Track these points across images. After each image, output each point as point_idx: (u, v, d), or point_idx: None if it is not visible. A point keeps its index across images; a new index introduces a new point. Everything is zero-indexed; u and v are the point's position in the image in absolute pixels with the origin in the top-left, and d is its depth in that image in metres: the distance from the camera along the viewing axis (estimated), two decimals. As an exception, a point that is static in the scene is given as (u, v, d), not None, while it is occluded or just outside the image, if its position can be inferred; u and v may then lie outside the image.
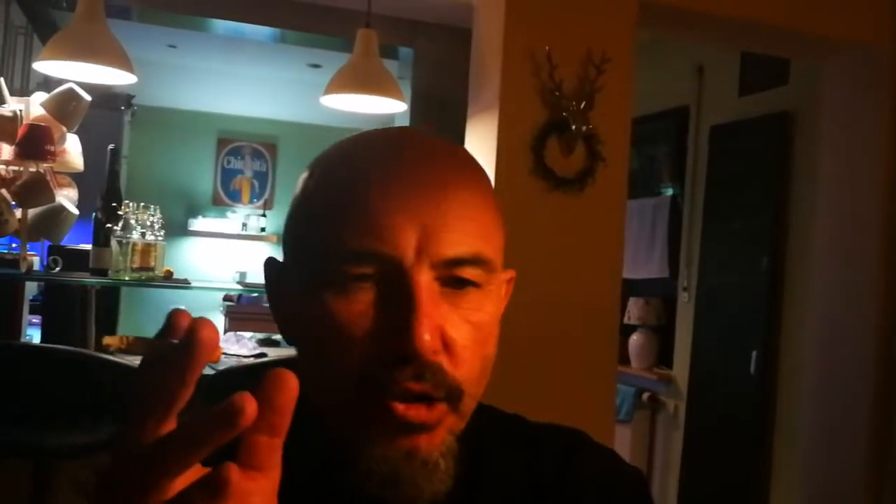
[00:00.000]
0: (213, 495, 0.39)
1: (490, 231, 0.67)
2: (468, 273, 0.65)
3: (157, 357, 0.40)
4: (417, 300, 0.61)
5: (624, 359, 4.55)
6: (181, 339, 0.39)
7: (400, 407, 0.62)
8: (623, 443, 4.29)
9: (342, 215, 0.64)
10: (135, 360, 2.78)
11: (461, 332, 0.65)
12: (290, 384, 0.40)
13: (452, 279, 0.65)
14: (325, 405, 0.66)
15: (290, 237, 0.71)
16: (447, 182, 0.66)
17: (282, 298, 0.72)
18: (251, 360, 3.05)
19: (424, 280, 0.62)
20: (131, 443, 0.40)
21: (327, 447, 0.66)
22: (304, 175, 0.71)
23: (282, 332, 0.74)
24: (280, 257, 0.74)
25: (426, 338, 0.61)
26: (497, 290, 0.69)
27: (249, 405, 0.38)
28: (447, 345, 0.64)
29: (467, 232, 0.65)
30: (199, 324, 0.39)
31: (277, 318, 0.73)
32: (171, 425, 0.40)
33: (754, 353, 3.95)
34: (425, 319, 0.61)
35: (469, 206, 0.66)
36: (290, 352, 3.85)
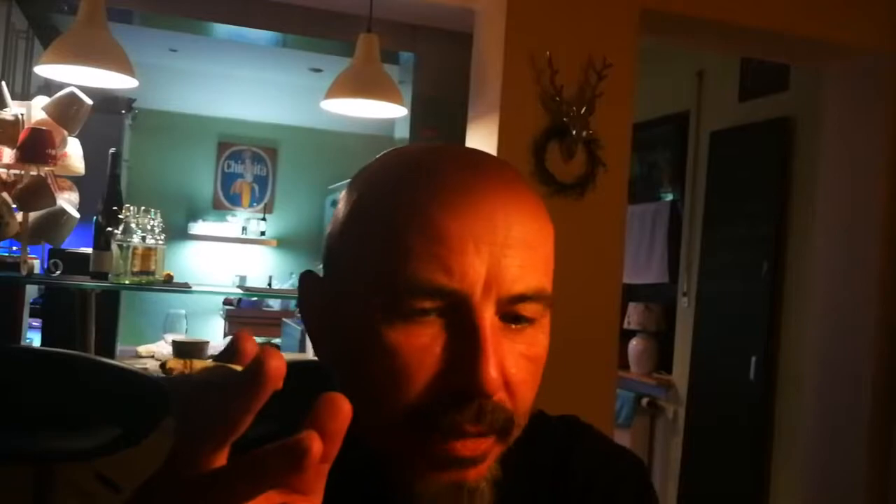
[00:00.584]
0: None
1: (550, 264, 0.67)
2: (529, 309, 0.64)
3: (220, 382, 0.39)
4: (483, 338, 0.60)
5: (623, 364, 4.54)
6: (248, 366, 0.38)
7: (450, 446, 0.61)
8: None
9: (407, 244, 0.61)
10: (135, 364, 2.78)
11: (519, 367, 0.64)
12: (344, 411, 0.39)
13: (511, 315, 0.63)
14: (373, 434, 0.64)
15: (339, 258, 0.67)
16: (516, 216, 0.63)
17: (324, 320, 0.69)
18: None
19: (489, 316, 0.61)
20: (186, 465, 0.39)
21: (372, 471, 0.65)
22: (352, 193, 0.69)
23: (320, 356, 0.71)
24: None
25: (493, 375, 0.59)
26: (548, 322, 0.68)
27: (316, 445, 0.37)
28: (507, 382, 0.63)
29: (533, 266, 0.63)
30: (268, 353, 0.38)
31: (318, 342, 0.71)
32: (223, 454, 0.40)
33: (754, 359, 3.94)
34: (492, 357, 0.60)
35: (535, 238, 0.64)
36: (293, 356, 3.86)
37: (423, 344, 0.61)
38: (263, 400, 0.38)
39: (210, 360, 0.41)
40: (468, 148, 0.72)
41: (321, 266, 0.72)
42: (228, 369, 0.40)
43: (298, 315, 5.42)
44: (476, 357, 0.59)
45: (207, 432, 0.39)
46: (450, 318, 0.61)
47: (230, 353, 0.41)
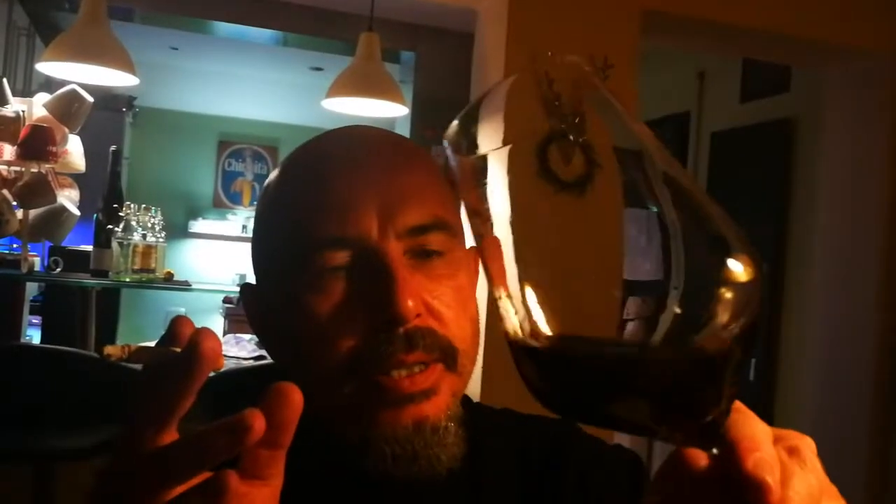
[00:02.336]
0: (211, 500, 0.39)
1: (444, 199, 0.70)
2: (434, 240, 0.67)
3: (159, 365, 0.40)
4: (393, 269, 0.63)
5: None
6: (184, 348, 0.39)
7: (396, 377, 0.63)
8: (622, 438, 4.28)
9: (303, 214, 0.67)
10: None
11: (440, 294, 0.66)
12: (294, 399, 0.40)
13: (420, 251, 0.66)
14: (325, 402, 0.66)
15: (259, 254, 0.73)
16: (396, 162, 0.69)
17: (262, 317, 0.73)
18: (250, 362, 3.05)
19: (395, 252, 0.64)
20: (132, 448, 0.40)
21: (338, 441, 0.66)
22: (262, 192, 0.75)
23: (273, 356, 0.75)
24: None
25: (409, 303, 0.62)
26: (465, 259, 0.71)
27: (258, 422, 0.38)
28: (431, 309, 0.65)
29: (424, 200, 0.67)
30: (202, 334, 0.39)
31: (262, 338, 0.75)
32: (171, 433, 0.40)
33: (754, 360, 3.95)
34: (404, 285, 0.62)
35: (422, 180, 0.69)
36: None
37: (339, 297, 0.64)
38: (201, 380, 0.39)
39: (149, 345, 0.41)
40: (360, 125, 0.76)
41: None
42: (166, 351, 0.41)
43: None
44: (388, 287, 0.62)
45: (149, 414, 0.40)
46: (359, 267, 0.64)
47: (169, 337, 0.42)
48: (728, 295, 0.37)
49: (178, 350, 0.40)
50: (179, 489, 0.40)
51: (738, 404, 0.41)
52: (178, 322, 0.42)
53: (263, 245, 0.72)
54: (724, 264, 0.39)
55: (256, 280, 0.74)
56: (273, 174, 0.74)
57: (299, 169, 0.72)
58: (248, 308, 0.76)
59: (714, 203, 0.39)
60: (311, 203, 0.67)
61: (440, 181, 0.71)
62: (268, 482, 0.42)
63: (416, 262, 0.66)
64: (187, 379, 0.39)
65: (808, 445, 0.42)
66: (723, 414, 0.39)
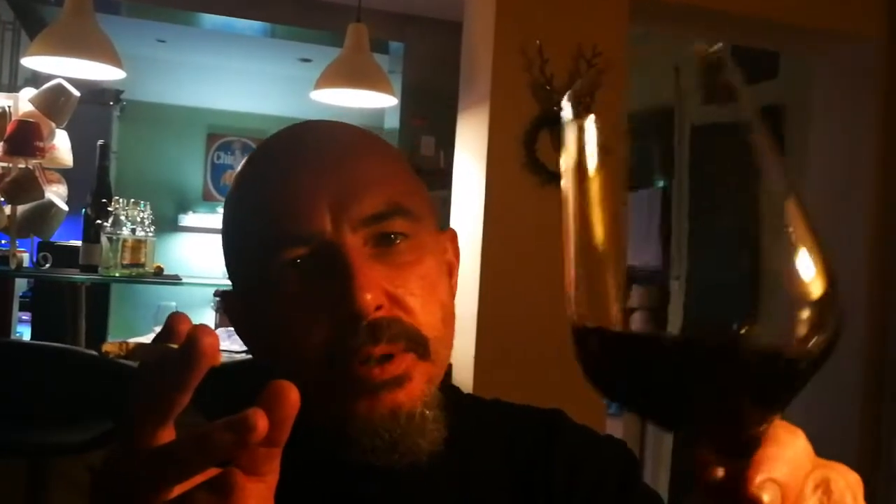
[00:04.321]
0: (220, 498, 0.39)
1: (400, 184, 0.69)
2: (394, 226, 0.66)
3: (157, 362, 0.40)
4: (349, 263, 0.63)
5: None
6: (182, 345, 0.39)
7: (363, 369, 0.63)
8: (615, 435, 4.29)
9: (258, 215, 0.67)
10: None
11: (406, 283, 0.66)
12: (291, 397, 0.40)
13: (381, 237, 0.66)
14: (302, 397, 0.66)
15: (226, 259, 0.73)
16: (347, 154, 0.68)
17: (238, 320, 0.74)
18: (242, 355, 3.04)
19: (351, 244, 0.64)
20: (131, 445, 0.40)
21: (319, 434, 0.66)
22: (224, 201, 0.75)
23: (252, 353, 0.76)
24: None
25: (367, 297, 0.62)
26: (433, 243, 0.71)
27: (261, 422, 0.38)
28: (395, 299, 0.65)
29: (377, 189, 0.67)
30: (200, 330, 0.39)
31: (243, 340, 0.75)
32: (169, 429, 0.41)
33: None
34: (361, 278, 0.62)
35: (373, 168, 0.68)
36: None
37: (301, 293, 0.64)
38: (199, 376, 0.39)
39: (146, 342, 0.41)
40: (316, 120, 0.76)
41: None
42: (164, 348, 0.40)
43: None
44: (345, 283, 0.62)
45: (148, 411, 0.40)
46: (318, 263, 0.64)
47: (166, 333, 0.42)
48: (806, 313, 0.36)
49: (176, 346, 0.40)
50: (182, 487, 0.40)
51: (789, 425, 0.40)
52: (175, 318, 0.42)
53: (228, 249, 0.73)
54: (803, 279, 0.36)
55: (231, 284, 0.74)
56: (240, 171, 0.74)
57: (253, 169, 0.72)
58: (228, 313, 0.76)
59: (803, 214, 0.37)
60: (264, 202, 0.67)
61: (397, 167, 0.71)
62: (264, 478, 0.42)
63: (378, 250, 0.66)
64: (185, 375, 0.39)
65: (848, 482, 0.41)
66: (767, 427, 0.38)
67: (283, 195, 0.66)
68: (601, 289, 0.39)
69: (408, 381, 0.64)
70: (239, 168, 0.74)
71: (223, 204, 0.75)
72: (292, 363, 0.65)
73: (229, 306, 0.75)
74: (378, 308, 0.63)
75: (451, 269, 0.75)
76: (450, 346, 0.70)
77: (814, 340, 0.36)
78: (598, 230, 0.40)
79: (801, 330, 0.36)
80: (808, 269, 0.35)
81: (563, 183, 0.42)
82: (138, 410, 0.40)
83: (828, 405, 3.23)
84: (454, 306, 0.71)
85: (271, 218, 0.65)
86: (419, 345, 0.65)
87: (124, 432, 0.41)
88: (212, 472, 0.40)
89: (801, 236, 0.36)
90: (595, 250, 0.39)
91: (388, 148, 0.74)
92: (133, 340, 0.41)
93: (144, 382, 0.41)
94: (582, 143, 0.41)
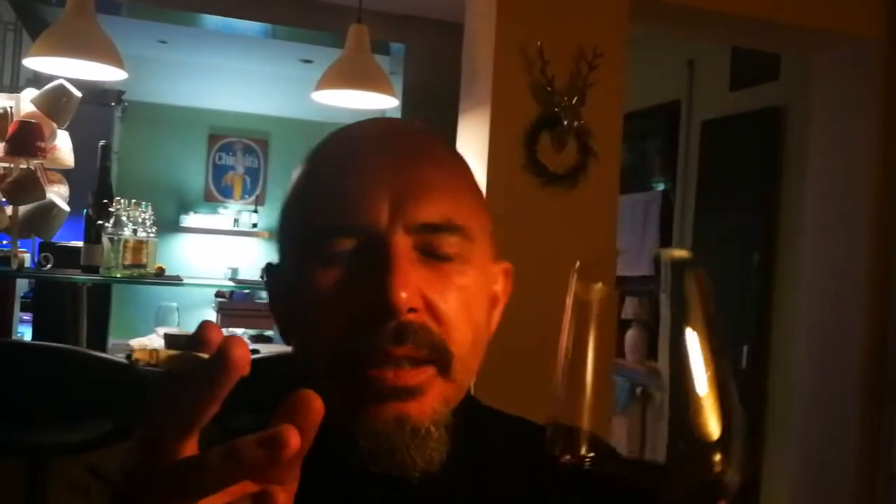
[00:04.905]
0: None
1: (462, 202, 0.69)
2: (446, 243, 0.66)
3: (186, 371, 0.40)
4: (392, 258, 0.63)
5: (620, 353, 4.55)
6: (213, 355, 0.39)
7: (380, 374, 0.63)
8: (620, 432, 4.30)
9: (320, 194, 0.67)
10: (124, 358, 2.78)
11: (445, 296, 0.65)
12: (315, 406, 0.40)
13: (432, 252, 0.66)
14: (315, 385, 0.65)
15: (280, 232, 0.74)
16: (416, 156, 0.69)
17: (276, 296, 0.74)
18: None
19: (400, 244, 0.64)
20: (155, 454, 0.40)
21: (324, 433, 0.66)
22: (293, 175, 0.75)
23: (281, 332, 0.75)
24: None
25: (402, 294, 0.61)
26: (483, 267, 0.70)
27: (294, 438, 0.38)
28: (431, 307, 0.64)
29: (437, 199, 0.66)
30: (232, 342, 0.39)
31: (276, 318, 0.75)
32: (193, 440, 0.40)
33: (745, 348, 3.96)
34: (400, 275, 0.62)
35: (439, 177, 0.68)
36: (282, 348, 3.83)
37: (339, 279, 0.64)
38: (228, 388, 0.39)
39: (177, 350, 0.41)
40: (389, 118, 0.78)
41: None
42: (194, 358, 0.40)
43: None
44: (384, 276, 0.62)
45: (174, 420, 0.40)
46: (364, 253, 0.64)
47: (196, 342, 0.41)
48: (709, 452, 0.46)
49: (206, 356, 0.40)
50: (212, 500, 0.39)
51: None
52: (206, 327, 0.42)
53: (283, 224, 0.73)
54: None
55: (279, 258, 0.75)
56: (304, 158, 0.75)
57: (324, 153, 0.73)
58: (267, 286, 0.77)
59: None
60: (328, 188, 0.67)
61: (465, 184, 0.71)
62: (286, 487, 0.42)
63: (424, 258, 0.65)
64: (214, 386, 0.39)
65: None
66: None
67: (348, 184, 0.66)
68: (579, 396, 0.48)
69: (421, 394, 0.64)
70: (314, 147, 0.75)
71: (293, 176, 0.75)
72: (314, 345, 0.66)
73: (271, 279, 0.76)
74: (411, 310, 0.62)
75: (495, 301, 0.74)
76: (473, 371, 0.68)
77: (724, 476, 0.45)
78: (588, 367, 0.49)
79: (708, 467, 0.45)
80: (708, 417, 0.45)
81: (566, 316, 0.49)
82: (163, 419, 0.40)
83: (828, 405, 3.23)
84: (488, 336, 0.70)
85: (330, 203, 0.66)
86: (443, 358, 0.64)
87: (146, 441, 0.40)
88: (246, 485, 0.40)
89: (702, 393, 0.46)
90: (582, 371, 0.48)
91: (462, 163, 0.73)
92: (165, 349, 0.41)
93: (172, 391, 0.40)
94: (587, 315, 0.49)
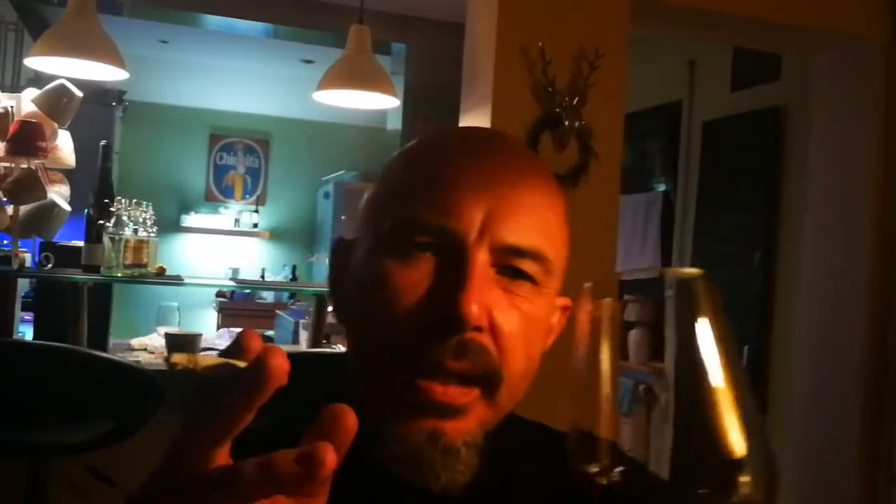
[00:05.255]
0: None
1: (553, 234, 0.69)
2: (525, 269, 0.66)
3: (222, 378, 0.40)
4: (469, 272, 0.62)
5: (623, 354, 4.55)
6: (251, 364, 0.39)
7: (429, 387, 0.62)
8: (626, 434, 4.30)
9: (416, 190, 0.67)
10: (128, 357, 2.78)
11: (509, 319, 0.65)
12: (349, 422, 0.40)
13: (508, 268, 0.66)
14: (361, 377, 0.66)
15: (363, 215, 0.73)
16: (521, 178, 0.68)
17: (343, 275, 0.73)
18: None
19: (481, 259, 0.64)
20: (187, 463, 0.40)
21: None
22: (388, 159, 0.75)
23: (336, 315, 0.75)
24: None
25: (473, 308, 0.61)
26: (551, 301, 0.70)
27: (330, 456, 0.38)
28: (494, 328, 0.64)
29: (530, 225, 0.66)
30: (270, 352, 0.38)
31: (335, 298, 0.75)
32: (225, 449, 0.40)
33: (746, 348, 3.96)
34: (475, 292, 0.62)
35: (538, 202, 0.68)
36: (287, 349, 3.85)
37: (414, 278, 0.64)
38: (265, 398, 0.38)
39: (215, 356, 0.41)
40: (503, 132, 0.77)
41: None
42: (232, 366, 0.40)
43: (293, 306, 5.43)
44: (459, 287, 0.62)
45: (208, 428, 0.40)
46: (444, 258, 0.64)
47: (235, 349, 0.41)
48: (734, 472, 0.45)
49: (243, 364, 0.39)
50: None
51: None
52: (246, 335, 0.41)
53: (370, 205, 0.72)
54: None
55: (356, 236, 0.74)
56: (407, 146, 0.75)
57: (439, 148, 0.72)
58: (333, 259, 0.76)
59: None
60: (431, 182, 0.67)
61: (558, 216, 0.71)
62: (316, 500, 0.42)
63: (501, 278, 0.65)
64: (251, 396, 0.38)
65: None
66: None
67: (446, 186, 0.66)
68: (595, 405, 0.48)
69: (462, 415, 0.64)
70: (432, 135, 0.75)
71: (399, 152, 0.75)
72: (376, 336, 0.65)
73: (339, 253, 0.75)
74: (476, 328, 0.62)
75: (550, 332, 0.74)
76: (515, 400, 0.69)
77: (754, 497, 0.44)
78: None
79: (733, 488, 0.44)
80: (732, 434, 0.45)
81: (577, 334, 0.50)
82: (199, 425, 0.40)
83: (828, 405, 3.23)
84: (536, 368, 0.70)
85: (426, 201, 0.66)
86: (492, 382, 0.64)
87: (180, 445, 0.40)
88: (278, 499, 0.40)
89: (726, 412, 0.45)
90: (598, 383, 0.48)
91: (558, 194, 0.73)
92: (204, 356, 0.41)
93: (209, 398, 0.40)
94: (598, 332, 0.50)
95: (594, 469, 0.46)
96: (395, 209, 0.67)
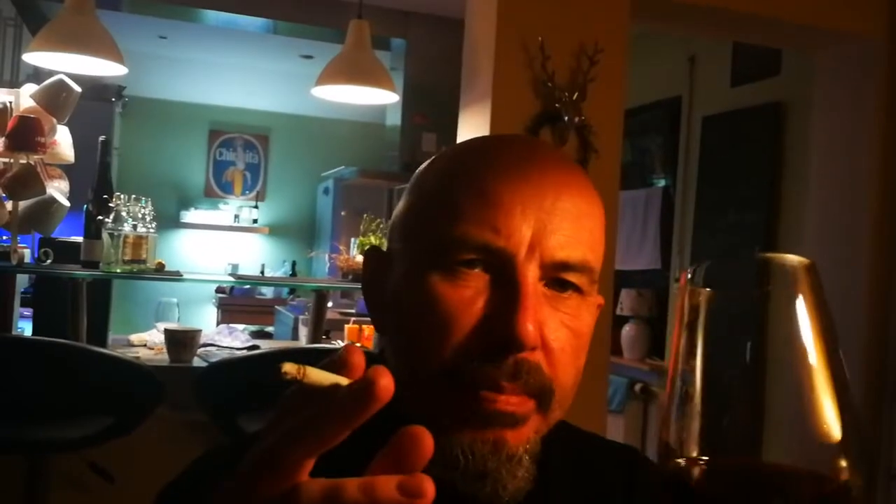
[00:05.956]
0: None
1: (596, 243, 0.69)
2: (573, 282, 0.66)
3: (323, 392, 0.39)
4: (523, 293, 0.62)
5: (616, 350, 4.56)
6: (357, 383, 0.38)
7: (491, 397, 0.62)
8: (616, 433, 4.30)
9: (461, 204, 0.65)
10: (127, 352, 2.78)
11: (559, 334, 0.65)
12: (427, 444, 0.39)
13: (556, 281, 0.65)
14: (412, 391, 0.64)
15: (402, 225, 0.71)
16: (566, 189, 0.67)
17: (383, 286, 0.71)
18: (244, 352, 3.04)
19: (532, 276, 0.63)
20: (274, 469, 0.39)
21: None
22: (416, 176, 0.73)
23: (376, 326, 0.74)
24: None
25: (529, 328, 0.61)
26: (594, 305, 0.70)
27: (431, 490, 0.38)
28: (546, 346, 0.64)
29: (578, 238, 0.66)
30: (378, 373, 0.38)
31: (374, 309, 0.74)
32: (312, 462, 0.40)
33: (749, 343, 3.96)
34: (531, 313, 0.61)
35: (582, 212, 0.67)
36: (282, 344, 3.83)
37: (465, 297, 0.64)
38: (367, 417, 0.38)
39: (324, 371, 0.40)
40: (544, 141, 0.75)
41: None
42: (334, 379, 0.39)
43: (293, 302, 5.43)
44: (514, 310, 0.61)
45: (302, 440, 0.39)
46: (494, 276, 0.64)
47: (338, 364, 0.40)
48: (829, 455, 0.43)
49: (346, 381, 0.39)
50: None
51: None
52: (350, 351, 0.40)
53: (410, 216, 0.70)
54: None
55: (391, 247, 0.72)
56: (447, 152, 0.73)
57: (480, 159, 0.69)
58: (367, 272, 0.75)
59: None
60: (476, 196, 0.65)
61: (600, 223, 0.70)
62: None
63: (549, 292, 0.65)
64: (354, 415, 0.38)
65: None
66: None
67: (494, 202, 0.64)
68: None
69: (522, 424, 0.64)
70: (468, 142, 0.73)
71: (434, 159, 0.73)
72: (417, 350, 0.65)
73: (373, 262, 0.74)
74: (532, 348, 0.62)
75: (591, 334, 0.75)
76: (565, 408, 0.69)
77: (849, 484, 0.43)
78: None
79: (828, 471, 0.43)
80: (828, 416, 0.44)
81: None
82: (293, 437, 0.39)
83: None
84: (582, 372, 0.71)
85: (473, 216, 0.64)
86: (546, 397, 0.65)
87: (267, 452, 0.40)
88: None
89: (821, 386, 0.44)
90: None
91: (598, 200, 0.72)
92: (311, 369, 0.39)
93: (307, 410, 0.39)
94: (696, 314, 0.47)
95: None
96: (439, 225, 0.65)
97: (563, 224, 0.65)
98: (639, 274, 4.77)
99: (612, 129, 2.81)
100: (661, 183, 4.80)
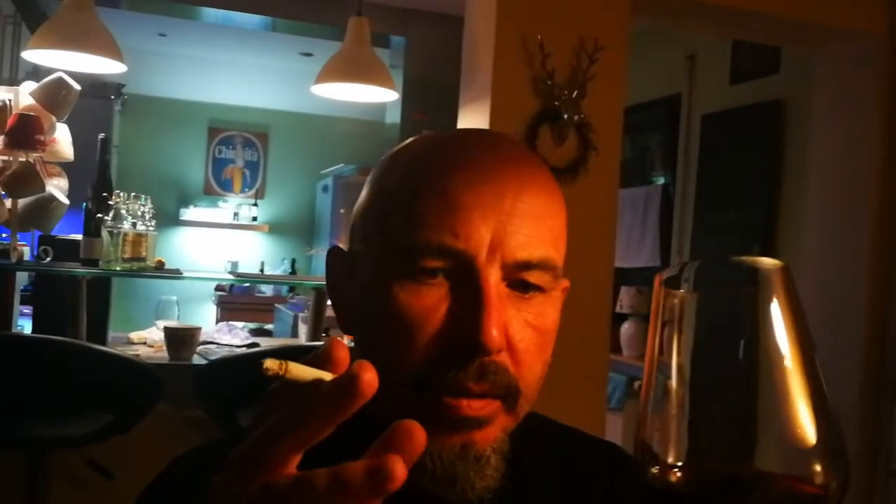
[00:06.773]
0: None
1: (558, 239, 0.69)
2: (535, 277, 0.66)
3: (307, 386, 0.39)
4: (486, 297, 0.62)
5: (615, 347, 4.56)
6: (341, 378, 0.38)
7: (456, 403, 0.63)
8: (615, 431, 4.30)
9: (419, 211, 0.64)
10: (126, 350, 2.78)
11: (524, 335, 0.65)
12: (420, 438, 0.39)
13: (518, 282, 0.65)
14: (381, 403, 0.65)
15: (364, 225, 0.71)
16: (525, 188, 0.66)
17: (347, 289, 0.71)
18: (243, 349, 3.04)
19: (494, 279, 0.63)
20: (255, 466, 0.39)
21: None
22: (381, 166, 0.72)
23: (342, 325, 0.74)
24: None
25: (494, 333, 0.61)
26: (558, 298, 0.70)
27: (402, 471, 0.37)
28: (511, 346, 0.65)
29: (539, 236, 0.66)
30: (362, 367, 0.38)
31: (339, 309, 0.74)
32: (298, 457, 0.40)
33: (742, 341, 3.96)
34: (494, 315, 0.61)
35: (542, 211, 0.67)
36: (282, 342, 3.83)
37: (429, 304, 0.63)
38: (351, 412, 0.38)
39: (306, 366, 0.40)
40: (486, 130, 0.74)
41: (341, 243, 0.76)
42: (317, 374, 0.39)
43: (292, 300, 5.43)
44: (478, 314, 0.61)
45: (287, 435, 0.39)
46: (456, 281, 0.64)
47: (321, 358, 0.40)
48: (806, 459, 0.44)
49: (330, 375, 0.39)
50: None
51: None
52: (334, 345, 0.41)
53: (371, 216, 0.70)
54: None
55: (350, 247, 0.72)
56: (402, 153, 0.71)
57: (442, 155, 0.68)
58: (331, 272, 0.75)
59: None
60: (436, 200, 0.65)
61: (561, 215, 0.70)
62: None
63: (511, 292, 0.65)
64: (339, 411, 0.38)
65: None
66: None
67: (452, 206, 0.64)
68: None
69: (489, 424, 0.65)
70: (421, 142, 0.71)
71: (389, 162, 0.71)
72: (384, 357, 0.63)
73: (336, 264, 0.74)
74: (497, 352, 0.63)
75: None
76: (532, 402, 0.69)
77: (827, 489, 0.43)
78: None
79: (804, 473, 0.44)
80: (803, 419, 0.45)
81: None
82: (277, 432, 0.39)
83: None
84: (549, 364, 0.71)
85: (432, 222, 0.64)
86: (511, 397, 0.65)
87: (253, 447, 0.40)
88: None
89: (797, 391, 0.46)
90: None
91: (559, 194, 0.71)
92: (293, 364, 0.39)
93: (292, 405, 0.39)
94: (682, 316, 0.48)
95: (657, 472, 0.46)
96: (400, 229, 0.65)
97: (523, 224, 0.65)
98: (638, 271, 4.77)
99: (612, 127, 2.80)
100: (661, 180, 4.80)
